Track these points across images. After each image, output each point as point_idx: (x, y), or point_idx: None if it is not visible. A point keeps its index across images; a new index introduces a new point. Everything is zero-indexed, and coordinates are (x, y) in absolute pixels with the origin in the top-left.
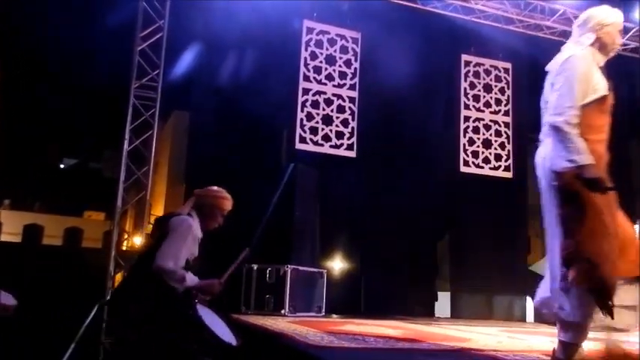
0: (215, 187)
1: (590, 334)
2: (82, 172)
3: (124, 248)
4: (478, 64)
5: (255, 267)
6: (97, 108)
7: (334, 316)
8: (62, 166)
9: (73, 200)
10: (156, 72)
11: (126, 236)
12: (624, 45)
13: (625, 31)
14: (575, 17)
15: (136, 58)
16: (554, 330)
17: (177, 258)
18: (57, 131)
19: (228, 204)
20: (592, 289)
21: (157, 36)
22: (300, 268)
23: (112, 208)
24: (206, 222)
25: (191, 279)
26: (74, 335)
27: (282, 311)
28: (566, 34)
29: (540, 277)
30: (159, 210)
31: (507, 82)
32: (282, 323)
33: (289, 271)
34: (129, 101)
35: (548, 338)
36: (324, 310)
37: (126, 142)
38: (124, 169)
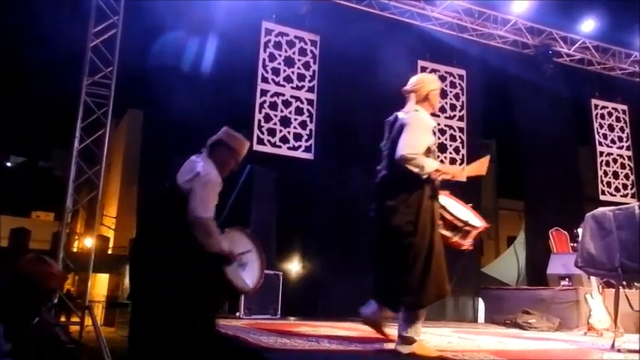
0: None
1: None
2: (30, 170)
3: (75, 250)
4: (434, 70)
5: None
6: (47, 105)
7: (290, 318)
8: (9, 164)
9: (20, 200)
10: (109, 69)
11: (76, 237)
12: (571, 56)
13: (571, 42)
14: (526, 27)
15: (88, 54)
16: (503, 330)
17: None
18: (3, 128)
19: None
20: None
21: (111, 32)
22: None
23: (61, 208)
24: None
25: None
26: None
27: (238, 313)
28: (517, 44)
29: (492, 279)
30: (112, 211)
31: (462, 89)
32: (237, 325)
33: None
34: (80, 98)
35: (496, 338)
36: (279, 312)
37: (76, 141)
38: (74, 168)
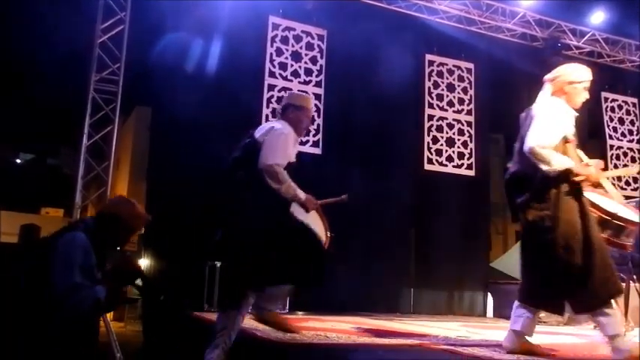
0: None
1: None
2: (40, 167)
3: None
4: (441, 64)
5: (218, 264)
6: (55, 102)
7: (298, 312)
8: (18, 161)
9: (29, 196)
10: (117, 65)
11: None
12: (580, 49)
13: (581, 35)
14: (535, 20)
15: (96, 50)
16: None
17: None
18: (12, 125)
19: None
20: None
21: (119, 28)
22: None
23: (70, 205)
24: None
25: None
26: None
27: None
28: (526, 37)
29: (501, 274)
30: None
31: (470, 82)
32: (245, 320)
33: None
34: (88, 95)
35: (505, 332)
36: (287, 306)
37: (85, 137)
38: (82, 164)
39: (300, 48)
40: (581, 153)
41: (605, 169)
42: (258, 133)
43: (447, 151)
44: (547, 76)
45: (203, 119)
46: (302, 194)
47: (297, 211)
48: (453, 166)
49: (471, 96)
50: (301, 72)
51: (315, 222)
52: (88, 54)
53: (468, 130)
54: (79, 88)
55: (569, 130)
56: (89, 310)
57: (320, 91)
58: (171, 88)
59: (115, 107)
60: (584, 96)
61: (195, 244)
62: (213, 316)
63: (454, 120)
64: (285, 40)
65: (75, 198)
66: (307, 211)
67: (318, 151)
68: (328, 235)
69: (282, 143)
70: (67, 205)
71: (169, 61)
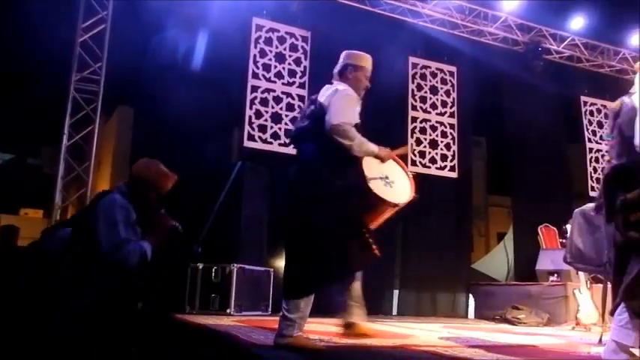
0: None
1: None
2: (19, 167)
3: None
4: (425, 67)
5: (200, 266)
6: (35, 101)
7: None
8: None
9: (8, 197)
10: (98, 65)
11: None
12: (560, 53)
13: (561, 39)
14: (516, 24)
15: (77, 49)
16: (493, 326)
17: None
18: None
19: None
20: None
21: (100, 27)
22: (247, 267)
23: (50, 205)
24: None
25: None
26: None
27: (228, 310)
28: (507, 41)
29: (482, 275)
30: None
31: (452, 85)
32: (228, 322)
33: (235, 270)
34: (68, 94)
35: (486, 333)
36: (270, 309)
37: (65, 137)
38: (62, 164)
39: (284, 49)
40: None
41: (585, 172)
42: (322, 98)
43: (430, 153)
44: None
45: (186, 120)
46: (375, 147)
47: (376, 168)
48: (436, 168)
49: (453, 99)
50: (285, 73)
51: (396, 172)
52: (69, 53)
53: (450, 133)
54: (60, 87)
55: None
56: (136, 263)
57: (304, 92)
58: (154, 88)
59: (96, 107)
60: None
61: (177, 245)
62: (194, 319)
63: (437, 122)
64: (268, 42)
65: (55, 198)
66: (383, 161)
67: None
68: (411, 176)
69: (348, 104)
70: (46, 206)
71: (152, 61)
